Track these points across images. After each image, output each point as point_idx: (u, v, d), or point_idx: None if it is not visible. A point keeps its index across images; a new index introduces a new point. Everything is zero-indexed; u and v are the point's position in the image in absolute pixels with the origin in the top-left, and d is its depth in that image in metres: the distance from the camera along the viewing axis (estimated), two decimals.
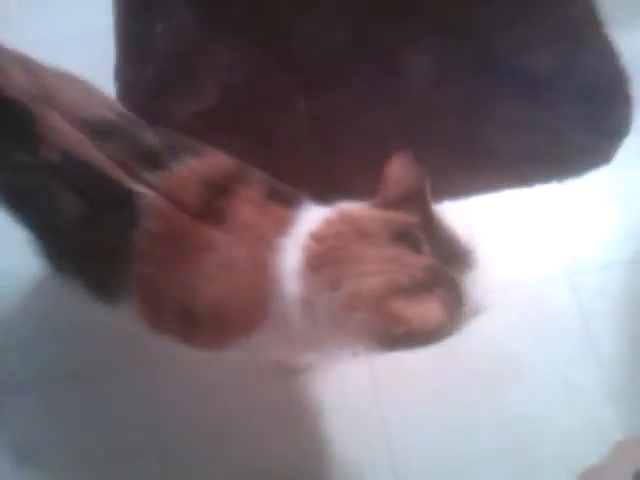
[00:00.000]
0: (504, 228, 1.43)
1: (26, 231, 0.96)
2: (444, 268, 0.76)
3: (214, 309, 0.82)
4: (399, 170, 0.84)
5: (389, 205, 0.81)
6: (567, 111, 1.58)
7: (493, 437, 1.23)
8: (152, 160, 0.83)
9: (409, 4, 1.70)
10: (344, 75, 1.62)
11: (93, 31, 1.66)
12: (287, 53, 1.64)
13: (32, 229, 0.93)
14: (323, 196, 0.90)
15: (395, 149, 1.48)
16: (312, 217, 0.83)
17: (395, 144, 1.51)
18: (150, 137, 0.87)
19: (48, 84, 0.89)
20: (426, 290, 0.74)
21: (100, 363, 1.32)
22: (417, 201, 0.81)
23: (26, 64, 0.91)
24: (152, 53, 1.66)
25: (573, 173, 1.49)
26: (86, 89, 0.94)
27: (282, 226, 0.82)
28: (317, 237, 0.80)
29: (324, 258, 0.78)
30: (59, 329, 1.34)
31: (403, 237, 0.78)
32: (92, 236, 0.83)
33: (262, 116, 1.55)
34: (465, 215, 1.40)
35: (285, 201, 0.85)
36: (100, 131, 0.85)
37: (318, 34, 1.66)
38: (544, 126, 1.56)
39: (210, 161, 0.87)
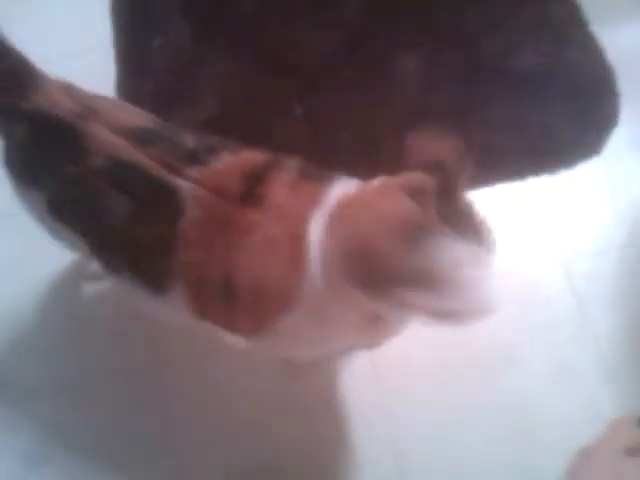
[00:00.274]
0: (499, 220, 1.43)
1: (71, 238, 1.03)
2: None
3: (254, 284, 0.86)
4: (426, 140, 0.88)
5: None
6: (556, 107, 1.63)
7: (493, 422, 1.26)
8: (192, 158, 0.90)
9: (395, 9, 1.76)
10: (338, 80, 1.67)
11: (92, 46, 1.72)
12: (281, 60, 1.69)
13: (82, 234, 1.00)
14: None
15: (389, 149, 1.55)
16: (341, 187, 0.87)
17: (390, 144, 1.58)
18: (189, 139, 0.94)
19: (89, 102, 0.97)
20: None
21: (112, 368, 1.35)
22: (440, 168, 0.83)
23: (67, 88, 1.00)
24: (151, 67, 1.71)
25: (564, 165, 1.53)
26: (122, 104, 1.03)
27: (314, 200, 0.86)
28: (340, 203, 0.83)
29: (335, 219, 0.82)
30: (73, 334, 1.39)
31: (413, 196, 0.80)
32: (141, 230, 0.90)
33: (261, 122, 1.60)
34: None
35: (317, 178, 0.89)
36: (142, 137, 0.92)
37: (310, 41, 1.72)
38: (534, 122, 1.60)
39: (246, 156, 0.93)
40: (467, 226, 0.82)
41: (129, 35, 1.76)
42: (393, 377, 1.29)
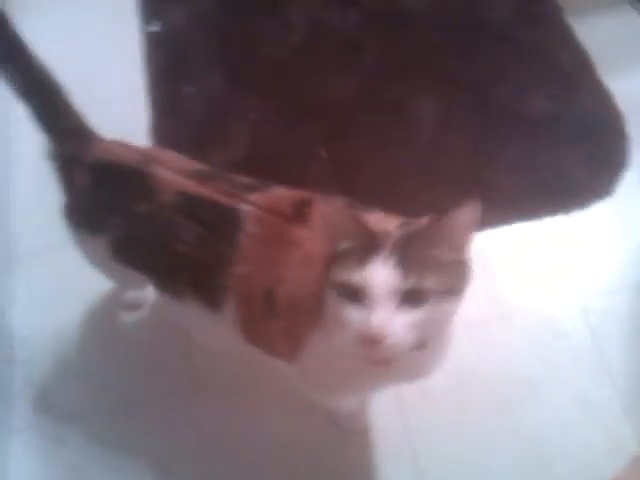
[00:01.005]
0: (516, 258, 1.53)
1: (130, 275, 1.12)
2: None
3: (290, 298, 0.92)
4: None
5: None
6: (567, 150, 1.71)
7: (511, 454, 1.29)
8: (251, 188, 1.00)
9: (410, 56, 1.87)
10: (359, 123, 1.76)
11: (124, 93, 1.82)
12: (305, 107, 1.79)
13: (147, 268, 1.10)
14: None
15: (409, 187, 1.62)
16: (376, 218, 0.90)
17: (409, 183, 1.65)
18: (244, 178, 1.04)
19: (146, 151, 1.08)
20: None
21: (148, 393, 1.41)
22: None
23: (121, 143, 1.10)
24: (184, 112, 1.81)
25: (578, 206, 1.60)
26: (174, 154, 1.11)
27: None
28: None
29: None
30: (111, 360, 1.45)
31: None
32: (205, 250, 0.98)
33: (288, 164, 1.68)
34: (478, 247, 1.51)
35: (360, 210, 0.93)
36: (204, 175, 1.03)
37: (333, 85, 1.82)
38: (547, 164, 1.68)
39: (296, 191, 1.01)
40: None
41: (160, 82, 1.86)
42: (415, 408, 1.33)
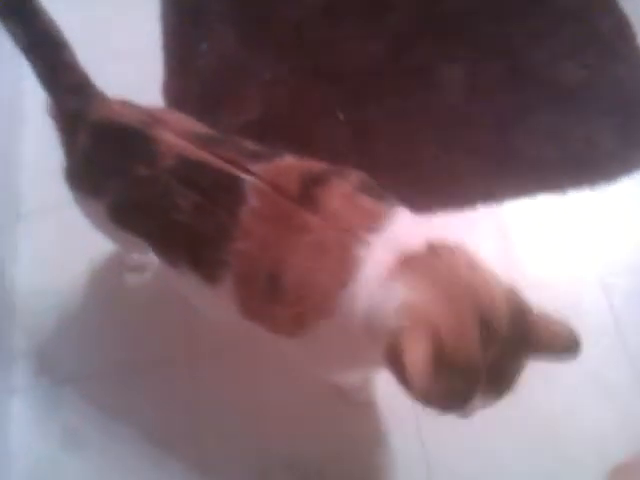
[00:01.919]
0: (537, 231, 1.47)
1: (129, 239, 1.08)
2: None
3: (300, 285, 0.87)
4: None
5: None
6: (600, 121, 1.62)
7: (524, 435, 1.26)
8: (256, 156, 0.94)
9: (441, 20, 1.78)
10: (381, 87, 1.69)
11: (140, 48, 1.76)
12: (324, 69, 1.72)
13: (145, 234, 1.05)
14: None
15: (429, 156, 1.56)
16: (403, 222, 0.88)
17: (429, 152, 1.59)
18: (251, 144, 0.98)
19: (152, 112, 1.03)
20: None
21: (148, 356, 1.39)
22: None
23: (126, 102, 1.06)
24: (198, 69, 1.75)
25: (605, 179, 1.53)
26: (181, 115, 1.07)
27: (371, 220, 0.86)
28: (412, 254, 0.83)
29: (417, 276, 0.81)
30: (112, 323, 1.44)
31: None
32: (204, 221, 0.93)
33: (302, 126, 1.63)
34: (499, 219, 1.46)
35: (376, 197, 0.90)
36: (207, 140, 0.97)
37: (356, 47, 1.74)
38: (577, 134, 1.60)
39: (307, 161, 0.96)
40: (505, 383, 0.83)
41: (178, 38, 1.81)
42: None
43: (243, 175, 0.91)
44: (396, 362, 0.76)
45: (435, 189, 1.53)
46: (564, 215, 1.49)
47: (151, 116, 1.01)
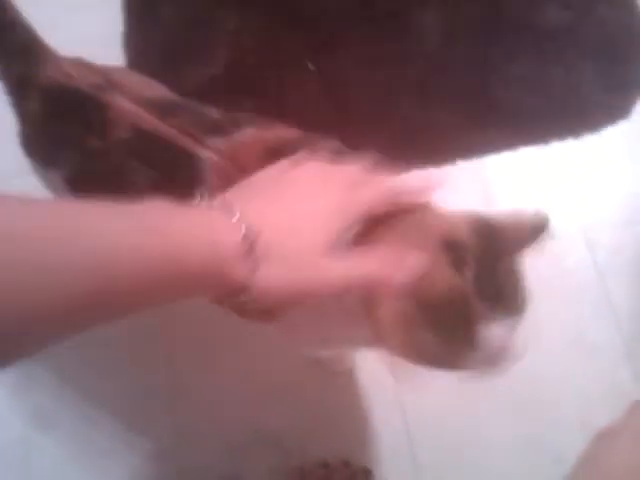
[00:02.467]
0: (520, 186, 1.42)
1: None
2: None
3: None
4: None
5: None
6: (582, 66, 1.55)
7: (506, 397, 1.22)
8: (215, 129, 0.85)
9: None
10: (352, 36, 1.60)
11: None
12: (293, 15, 1.62)
13: None
14: None
15: (406, 107, 1.49)
16: None
17: (406, 102, 1.52)
18: (213, 112, 0.90)
19: (106, 74, 0.92)
20: None
21: (123, 325, 1.32)
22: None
23: (79, 61, 0.95)
24: (160, 20, 1.64)
25: (590, 129, 1.47)
26: (139, 76, 0.97)
27: None
28: None
29: None
30: None
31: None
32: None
33: (273, 78, 1.54)
34: (480, 174, 1.41)
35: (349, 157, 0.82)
36: (164, 108, 0.88)
37: None
38: (559, 81, 1.53)
39: (274, 131, 0.87)
40: (502, 295, 0.72)
41: None
42: None
43: (202, 151, 0.83)
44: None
45: (411, 144, 1.46)
46: (547, 168, 1.44)
47: (106, 79, 0.91)
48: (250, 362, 1.27)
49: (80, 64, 0.95)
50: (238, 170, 0.81)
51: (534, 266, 1.29)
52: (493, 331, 0.69)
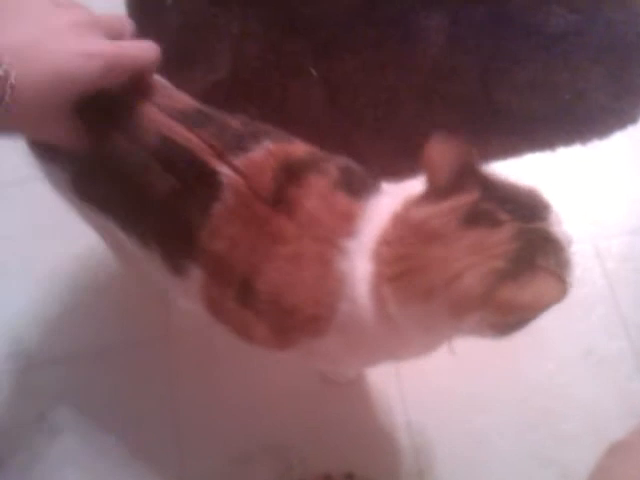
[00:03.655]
0: None
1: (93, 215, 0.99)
2: (530, 226, 0.73)
3: (278, 299, 0.79)
4: (438, 152, 0.78)
5: (442, 193, 0.76)
6: (589, 70, 1.52)
7: (514, 410, 1.20)
8: (238, 143, 0.84)
9: None
10: (355, 41, 1.58)
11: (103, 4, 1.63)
12: (296, 21, 1.61)
13: (116, 208, 0.94)
14: None
15: (410, 113, 1.47)
16: (378, 214, 0.80)
17: (410, 108, 1.50)
18: (235, 122, 0.88)
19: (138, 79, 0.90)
20: (526, 262, 0.70)
21: (129, 339, 1.33)
22: (469, 176, 0.76)
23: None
24: (163, 26, 1.63)
25: (597, 134, 1.44)
26: (168, 84, 0.95)
27: (346, 223, 0.79)
28: (386, 242, 0.77)
29: (400, 270, 0.75)
30: (93, 306, 1.37)
31: (474, 219, 0.73)
32: (177, 208, 0.84)
33: (276, 84, 1.53)
34: None
35: (352, 190, 0.82)
36: (192, 118, 0.86)
37: (325, 0, 1.63)
38: (565, 86, 1.51)
39: (287, 146, 0.86)
40: (530, 205, 0.77)
41: None
42: (413, 362, 1.23)
43: (222, 167, 0.82)
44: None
45: (415, 150, 1.43)
46: (554, 174, 1.41)
47: (137, 82, 0.87)
48: (252, 373, 1.25)
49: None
50: (251, 191, 0.80)
51: None
52: None
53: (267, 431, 1.22)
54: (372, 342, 0.82)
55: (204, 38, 1.61)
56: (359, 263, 0.77)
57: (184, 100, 0.92)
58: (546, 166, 1.41)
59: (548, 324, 1.24)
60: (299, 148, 0.87)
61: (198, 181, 0.83)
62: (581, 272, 1.29)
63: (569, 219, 1.32)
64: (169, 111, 0.86)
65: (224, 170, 0.82)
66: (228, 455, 1.22)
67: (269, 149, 0.84)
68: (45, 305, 1.37)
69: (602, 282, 1.28)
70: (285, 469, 1.20)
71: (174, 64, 1.55)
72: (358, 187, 0.83)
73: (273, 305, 0.80)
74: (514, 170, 1.38)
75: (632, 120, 1.45)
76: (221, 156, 0.83)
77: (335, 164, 0.85)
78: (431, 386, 1.22)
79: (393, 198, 0.82)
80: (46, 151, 0.95)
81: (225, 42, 1.59)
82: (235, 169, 0.82)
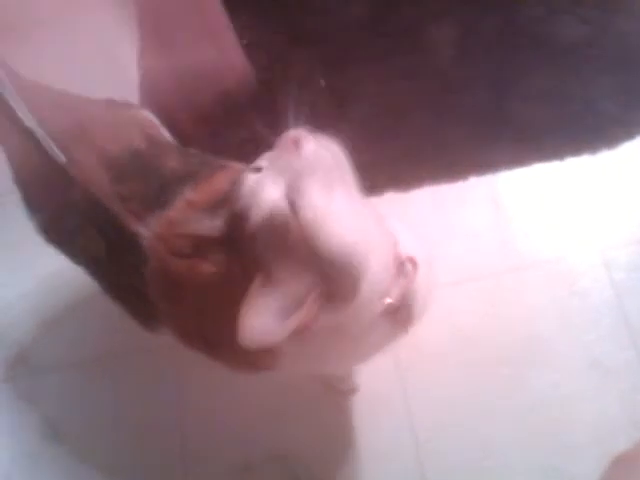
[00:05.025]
0: (534, 203, 1.39)
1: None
2: None
3: (233, 344, 0.72)
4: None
5: None
6: (599, 80, 1.52)
7: (521, 421, 1.19)
8: (157, 200, 0.83)
9: None
10: (364, 51, 1.59)
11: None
12: (305, 32, 1.62)
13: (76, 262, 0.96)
14: None
15: (418, 123, 1.47)
16: None
17: (419, 118, 1.50)
18: (172, 164, 0.88)
19: (82, 117, 0.91)
20: None
21: (127, 346, 1.33)
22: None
23: (59, 96, 0.93)
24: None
25: (606, 144, 1.44)
26: (114, 116, 0.95)
27: None
28: None
29: None
30: (93, 312, 1.36)
31: None
32: (117, 271, 0.86)
33: (283, 95, 1.53)
34: (492, 191, 1.38)
35: None
36: (119, 171, 0.86)
37: (337, 7, 1.64)
38: (576, 96, 1.50)
39: (209, 187, 0.84)
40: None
41: None
42: (415, 370, 1.23)
43: (142, 229, 0.81)
44: None
45: (424, 160, 1.44)
46: (562, 184, 1.40)
47: (79, 124, 0.89)
48: (258, 383, 1.23)
49: (59, 101, 0.93)
50: (170, 251, 0.79)
51: (550, 286, 1.28)
52: None
53: (272, 440, 1.22)
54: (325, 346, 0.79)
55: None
56: None
57: (124, 139, 0.89)
58: (555, 176, 1.41)
59: (555, 335, 1.25)
60: (222, 184, 0.83)
61: (125, 244, 0.82)
62: (588, 282, 1.29)
63: (577, 229, 1.34)
64: (102, 157, 0.85)
65: (144, 232, 0.81)
66: (234, 463, 1.22)
67: (188, 198, 0.82)
68: (49, 311, 1.39)
69: (609, 292, 1.27)
70: (290, 479, 1.20)
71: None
72: None
73: (233, 350, 0.74)
74: (522, 179, 1.39)
75: None
76: (141, 218, 0.82)
77: None
78: (437, 396, 1.22)
79: None
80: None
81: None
82: (152, 230, 0.81)
